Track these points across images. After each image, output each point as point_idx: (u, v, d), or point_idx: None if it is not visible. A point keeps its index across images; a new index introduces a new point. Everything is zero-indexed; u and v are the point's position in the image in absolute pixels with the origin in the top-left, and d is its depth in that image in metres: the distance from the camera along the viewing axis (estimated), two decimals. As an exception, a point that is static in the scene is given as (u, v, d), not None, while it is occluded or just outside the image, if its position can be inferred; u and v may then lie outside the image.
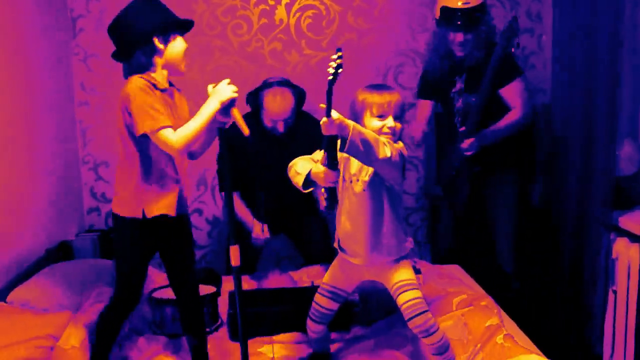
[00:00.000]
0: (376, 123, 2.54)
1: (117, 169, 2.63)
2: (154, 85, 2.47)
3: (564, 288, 3.66)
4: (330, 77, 2.27)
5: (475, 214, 3.71)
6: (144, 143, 2.49)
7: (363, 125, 2.53)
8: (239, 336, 2.48)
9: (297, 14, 4.31)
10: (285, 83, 3.60)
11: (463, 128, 3.40)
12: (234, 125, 3.61)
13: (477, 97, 3.37)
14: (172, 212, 2.57)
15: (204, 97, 2.46)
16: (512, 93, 3.46)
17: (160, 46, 2.49)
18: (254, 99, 3.60)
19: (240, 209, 3.73)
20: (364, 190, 2.57)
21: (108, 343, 2.68)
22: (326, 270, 3.55)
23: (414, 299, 2.57)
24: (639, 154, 3.37)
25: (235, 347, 2.89)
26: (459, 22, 3.39)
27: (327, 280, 2.78)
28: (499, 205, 3.65)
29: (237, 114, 2.47)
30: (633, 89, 3.45)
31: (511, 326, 2.88)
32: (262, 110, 3.56)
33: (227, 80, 2.47)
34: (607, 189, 3.34)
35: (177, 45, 2.54)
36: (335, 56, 2.24)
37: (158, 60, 2.52)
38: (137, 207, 2.53)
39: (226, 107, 2.44)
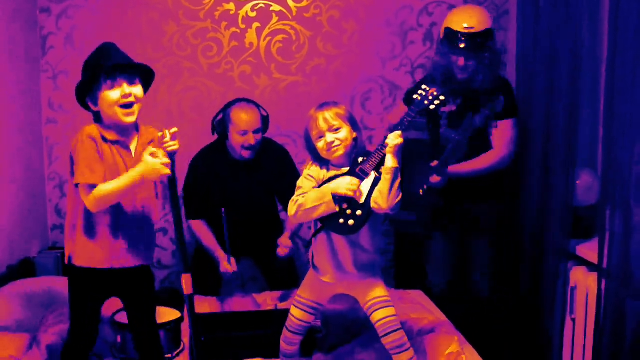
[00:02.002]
0: (320, 144, 2.63)
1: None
2: (103, 137, 2.45)
3: (523, 314, 3.71)
4: (425, 102, 2.56)
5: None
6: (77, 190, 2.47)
7: (314, 146, 2.66)
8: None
9: (268, 38, 4.35)
10: (248, 100, 3.69)
11: (435, 163, 3.36)
12: (206, 154, 3.64)
13: (458, 135, 3.34)
14: (100, 265, 2.51)
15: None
16: (499, 132, 3.47)
17: (94, 107, 2.47)
18: (221, 122, 3.62)
19: (207, 237, 3.74)
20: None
21: None
22: (290, 295, 3.60)
23: (388, 316, 2.64)
24: (598, 183, 3.43)
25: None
26: (461, 46, 3.39)
27: (302, 294, 2.81)
28: (477, 235, 3.66)
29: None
30: (591, 119, 3.51)
31: (471, 353, 2.93)
32: (229, 127, 3.59)
33: (151, 150, 2.43)
34: (566, 217, 3.41)
35: (105, 101, 2.43)
36: (434, 92, 2.56)
37: (102, 114, 2.48)
38: (68, 254, 2.53)
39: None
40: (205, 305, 3.55)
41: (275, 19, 4.33)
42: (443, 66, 3.51)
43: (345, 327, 3.16)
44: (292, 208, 2.68)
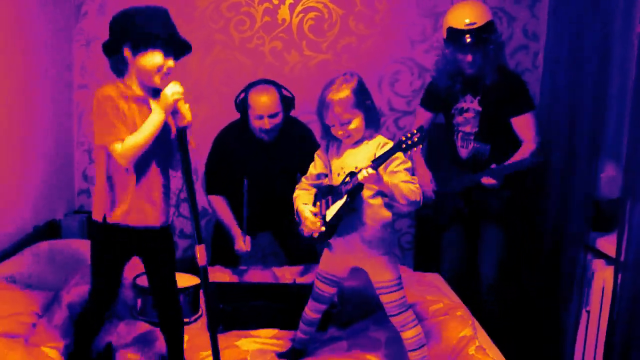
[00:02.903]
0: (332, 129, 2.65)
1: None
2: (123, 95, 2.48)
3: (539, 304, 3.73)
4: (403, 145, 2.46)
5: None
6: (102, 149, 2.51)
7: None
8: (209, 332, 2.54)
9: (300, 15, 4.37)
10: (270, 82, 3.64)
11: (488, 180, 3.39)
12: (229, 131, 3.63)
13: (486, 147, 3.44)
14: (128, 222, 2.55)
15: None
16: (523, 125, 3.46)
17: (128, 54, 2.47)
18: (242, 102, 3.64)
19: (225, 213, 3.76)
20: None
21: (88, 340, 2.68)
22: (309, 270, 3.65)
23: (397, 299, 2.68)
24: (621, 177, 3.42)
25: (214, 338, 2.97)
26: (465, 43, 3.38)
27: (322, 267, 2.85)
28: (486, 223, 3.68)
29: (182, 107, 2.45)
30: (618, 111, 3.49)
31: (484, 338, 2.95)
32: (248, 110, 3.58)
33: (172, 83, 2.45)
34: (587, 209, 3.42)
35: (148, 59, 2.46)
36: (416, 134, 2.44)
37: (131, 68, 2.50)
38: (100, 212, 2.56)
39: (175, 110, 2.45)
40: (225, 275, 3.61)
41: (308, -5, 4.36)
42: (450, 65, 3.51)
43: (360, 303, 3.19)
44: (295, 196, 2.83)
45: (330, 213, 2.64)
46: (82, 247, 3.69)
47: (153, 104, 2.48)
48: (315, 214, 2.70)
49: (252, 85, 3.62)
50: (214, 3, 4.32)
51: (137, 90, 2.52)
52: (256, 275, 3.69)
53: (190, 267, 3.52)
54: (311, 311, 2.88)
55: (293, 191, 3.88)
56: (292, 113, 3.80)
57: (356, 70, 4.31)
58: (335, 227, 2.65)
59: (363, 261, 2.72)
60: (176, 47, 2.53)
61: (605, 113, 3.37)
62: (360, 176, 2.47)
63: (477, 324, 3.07)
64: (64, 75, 4.27)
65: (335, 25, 4.39)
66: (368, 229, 2.65)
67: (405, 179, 2.57)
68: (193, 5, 4.29)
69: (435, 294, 3.38)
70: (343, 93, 2.59)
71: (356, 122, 2.61)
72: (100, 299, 2.64)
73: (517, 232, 3.79)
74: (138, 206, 2.54)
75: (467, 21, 3.38)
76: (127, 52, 2.46)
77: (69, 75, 4.35)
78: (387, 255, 2.71)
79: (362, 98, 2.63)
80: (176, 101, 2.43)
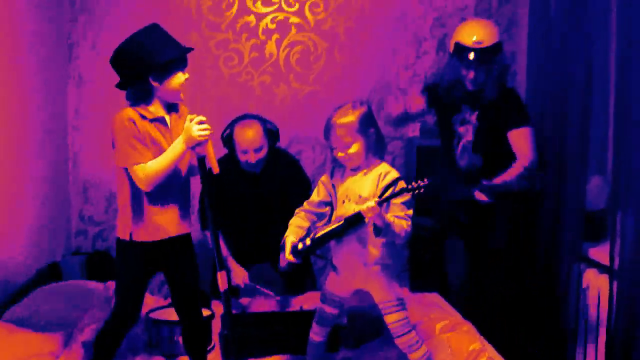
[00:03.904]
0: (335, 154, 2.75)
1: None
2: (142, 116, 2.58)
3: (539, 315, 3.83)
4: (415, 191, 2.55)
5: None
6: (124, 170, 2.61)
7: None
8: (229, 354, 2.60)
9: (287, 49, 4.50)
10: (255, 116, 3.70)
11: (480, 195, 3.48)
12: (219, 165, 3.70)
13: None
14: (154, 238, 2.65)
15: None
16: (520, 139, 3.52)
17: (156, 84, 2.57)
18: (228, 138, 3.69)
19: (222, 247, 3.83)
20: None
21: (107, 359, 2.76)
22: (311, 297, 3.71)
23: (400, 319, 2.76)
24: (607, 188, 3.56)
25: (228, 367, 3.03)
26: (470, 59, 3.47)
27: (327, 288, 2.92)
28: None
29: (209, 150, 2.57)
30: (602, 127, 3.64)
31: (491, 351, 3.05)
32: (234, 145, 3.64)
33: (198, 119, 2.55)
34: (578, 221, 3.54)
35: (174, 82, 2.60)
36: (426, 183, 2.55)
37: (155, 94, 2.62)
38: (126, 230, 2.65)
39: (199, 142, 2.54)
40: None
41: (294, 30, 4.49)
42: (452, 78, 3.60)
43: (369, 324, 3.27)
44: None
45: (320, 232, 2.72)
46: (88, 287, 3.75)
47: (183, 132, 2.55)
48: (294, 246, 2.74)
49: (236, 120, 3.68)
50: (202, 41, 4.43)
51: (159, 112, 2.63)
52: (261, 305, 3.75)
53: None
54: (316, 334, 2.94)
55: (285, 221, 3.96)
56: (284, 142, 3.88)
57: (343, 98, 4.49)
58: (319, 246, 2.71)
59: (367, 282, 2.80)
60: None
61: (590, 131, 3.51)
62: (363, 207, 2.55)
63: (483, 339, 3.17)
64: (58, 117, 4.33)
65: (321, 57, 4.52)
66: (371, 251, 2.74)
67: (399, 214, 2.65)
68: (184, 42, 4.34)
69: (439, 312, 3.48)
70: (348, 118, 2.70)
71: (356, 147, 2.69)
72: (124, 317, 2.72)
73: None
74: (161, 221, 2.65)
75: (475, 39, 3.48)
76: (154, 83, 2.57)
77: (63, 116, 4.41)
78: (390, 275, 2.79)
79: (366, 125, 2.72)
80: (203, 142, 2.53)
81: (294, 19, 4.48)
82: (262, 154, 3.63)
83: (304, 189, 3.89)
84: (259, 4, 4.46)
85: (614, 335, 3.15)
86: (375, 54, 4.55)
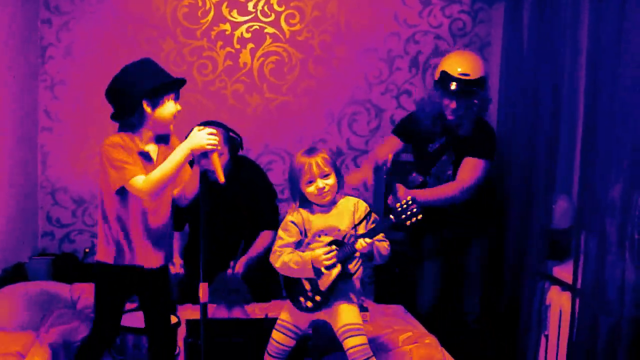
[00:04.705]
0: (310, 189, 2.78)
1: (98, 219, 2.74)
2: (130, 147, 2.59)
3: (501, 330, 3.89)
4: (402, 217, 2.66)
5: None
6: (114, 197, 2.61)
7: (300, 189, 2.81)
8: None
9: (261, 59, 4.52)
10: (218, 123, 3.71)
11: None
12: None
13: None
14: (135, 262, 2.67)
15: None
16: (468, 167, 3.60)
17: (148, 110, 2.58)
18: None
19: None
20: None
21: None
22: (276, 305, 3.73)
23: (360, 344, 2.76)
24: (572, 209, 3.63)
25: (191, 374, 3.03)
26: (454, 90, 3.51)
27: (283, 317, 2.95)
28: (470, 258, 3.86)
29: (215, 160, 2.55)
30: (568, 149, 3.70)
31: (454, 364, 3.10)
32: None
33: (208, 130, 2.55)
34: (543, 240, 3.61)
35: (166, 110, 2.62)
36: (412, 205, 2.65)
37: (147, 122, 2.62)
38: (109, 254, 2.66)
39: (204, 153, 2.54)
40: (195, 314, 3.66)
41: (269, 40, 4.52)
42: (433, 105, 3.63)
43: (333, 337, 3.29)
44: (274, 260, 2.86)
45: (323, 283, 2.78)
46: (53, 288, 3.74)
47: (188, 138, 2.55)
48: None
49: (199, 125, 3.70)
50: (177, 48, 4.45)
51: (144, 145, 2.63)
52: (224, 313, 3.75)
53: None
54: None
55: (244, 229, 3.96)
56: (255, 152, 3.90)
57: (316, 112, 4.56)
58: (329, 295, 2.79)
59: (329, 311, 2.84)
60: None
61: (557, 149, 3.59)
62: (358, 246, 2.66)
63: (445, 351, 3.21)
64: (28, 118, 4.30)
65: (295, 68, 4.56)
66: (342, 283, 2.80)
67: (379, 238, 2.75)
68: (157, 48, 4.40)
69: (402, 324, 3.52)
70: (321, 154, 2.79)
71: (333, 178, 2.77)
72: (104, 335, 2.74)
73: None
74: (145, 248, 2.67)
75: (461, 70, 3.53)
76: (147, 108, 2.57)
77: (34, 117, 4.38)
78: (352, 301, 2.84)
79: (334, 161, 2.83)
80: (210, 151, 2.52)
81: (269, 29, 4.51)
82: (222, 161, 3.64)
83: (269, 195, 3.93)
84: (235, 12, 4.48)
85: (574, 352, 3.21)
86: (349, 68, 4.59)
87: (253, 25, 4.51)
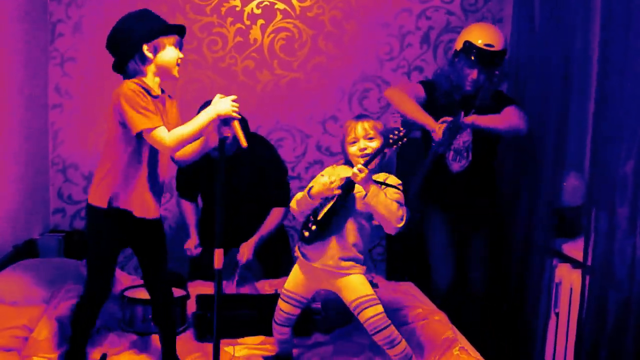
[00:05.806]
0: (352, 149, 2.78)
1: (98, 164, 2.73)
2: (147, 90, 2.59)
3: (510, 308, 3.89)
4: (390, 141, 2.63)
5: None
6: (132, 141, 2.61)
7: (346, 151, 2.80)
8: (213, 334, 2.59)
9: (271, 35, 4.50)
10: None
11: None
12: None
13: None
14: (135, 211, 2.66)
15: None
16: (512, 111, 3.59)
17: (149, 55, 2.60)
18: None
19: (189, 217, 3.93)
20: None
21: (84, 335, 2.77)
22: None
23: (377, 314, 2.72)
24: (583, 186, 3.61)
25: (201, 347, 3.04)
26: (476, 60, 3.53)
27: (288, 287, 2.93)
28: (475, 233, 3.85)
29: (237, 126, 2.57)
30: (579, 125, 3.68)
31: (463, 341, 3.09)
32: None
33: (233, 97, 2.57)
34: (551, 217, 3.60)
35: (167, 54, 2.63)
36: (402, 130, 2.63)
37: (149, 68, 2.63)
38: (104, 197, 2.65)
39: (226, 120, 2.55)
40: (207, 289, 3.69)
41: (279, 16, 4.49)
42: (453, 74, 3.64)
43: (342, 309, 3.29)
44: (292, 203, 2.86)
45: (321, 213, 2.75)
46: (64, 264, 3.75)
47: (213, 103, 2.56)
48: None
49: (205, 105, 3.68)
50: (186, 24, 4.39)
51: (156, 89, 2.66)
52: (235, 288, 3.77)
53: (172, 281, 3.60)
54: (278, 334, 2.96)
55: (262, 204, 3.96)
56: (265, 129, 3.89)
57: (327, 88, 4.52)
58: (325, 226, 2.74)
59: (336, 281, 2.80)
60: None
61: (567, 124, 3.56)
62: (350, 173, 2.63)
63: (454, 328, 3.21)
64: (39, 95, 4.31)
65: (306, 45, 4.53)
66: (350, 251, 2.77)
67: (393, 198, 2.70)
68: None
69: (412, 301, 3.52)
70: (371, 121, 2.82)
71: (378, 143, 2.75)
72: (97, 290, 2.73)
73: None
74: (142, 196, 2.66)
75: (486, 42, 3.55)
76: (148, 53, 2.59)
77: (44, 94, 4.39)
78: (361, 273, 2.81)
79: (386, 131, 2.78)
80: (232, 117, 2.54)
81: (279, 5, 4.48)
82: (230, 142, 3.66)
83: (280, 172, 3.92)
84: (244, -12, 4.47)
85: (584, 329, 3.20)
86: (360, 44, 4.56)
87: (263, 2, 4.48)
